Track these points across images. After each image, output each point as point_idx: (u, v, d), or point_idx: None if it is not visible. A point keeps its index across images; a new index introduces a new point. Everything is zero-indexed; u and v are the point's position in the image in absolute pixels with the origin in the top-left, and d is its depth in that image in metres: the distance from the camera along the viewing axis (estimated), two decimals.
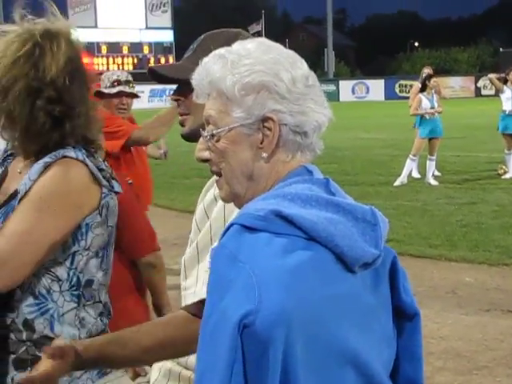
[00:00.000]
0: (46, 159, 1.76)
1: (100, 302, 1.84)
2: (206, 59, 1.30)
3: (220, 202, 1.63)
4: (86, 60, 1.88)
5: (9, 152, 1.93)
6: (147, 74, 1.81)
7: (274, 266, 1.11)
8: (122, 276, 3.00)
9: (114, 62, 44.50)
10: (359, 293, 1.21)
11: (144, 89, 35.42)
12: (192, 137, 1.69)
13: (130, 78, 4.58)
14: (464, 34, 73.44)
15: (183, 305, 1.68)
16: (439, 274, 6.51)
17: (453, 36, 73.06)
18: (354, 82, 47.75)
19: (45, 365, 1.49)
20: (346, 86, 45.95)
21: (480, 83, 41.86)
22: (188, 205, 8.90)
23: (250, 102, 1.23)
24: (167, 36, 47.89)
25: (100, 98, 4.31)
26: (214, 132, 1.27)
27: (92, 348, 1.56)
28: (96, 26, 44.22)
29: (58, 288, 1.76)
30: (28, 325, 1.76)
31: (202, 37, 1.78)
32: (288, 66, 1.25)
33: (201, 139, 1.36)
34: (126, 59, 45.92)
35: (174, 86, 1.77)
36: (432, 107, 11.29)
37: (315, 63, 47.27)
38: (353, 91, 45.66)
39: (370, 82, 46.32)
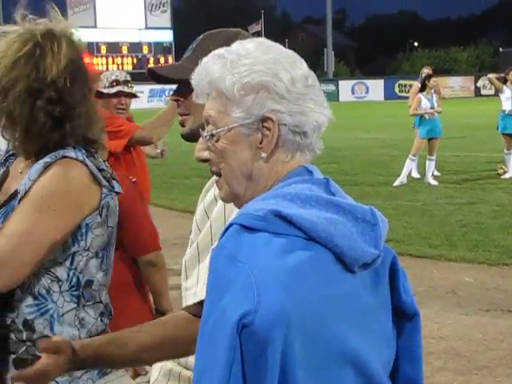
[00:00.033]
0: (46, 159, 1.76)
1: (100, 302, 1.84)
2: (205, 59, 1.29)
3: (220, 202, 1.63)
4: (86, 60, 1.88)
5: (11, 152, 1.93)
6: (147, 75, 1.81)
7: (273, 266, 1.11)
8: (125, 275, 3.00)
9: (113, 62, 44.51)
10: (359, 293, 1.21)
11: (143, 89, 35.46)
12: (192, 137, 1.69)
13: (129, 78, 4.59)
14: (464, 33, 73.50)
15: (184, 305, 1.68)
16: (439, 273, 6.51)
17: (452, 36, 73.11)
18: (354, 81, 47.75)
19: (41, 362, 1.50)
20: (345, 85, 45.96)
21: (480, 83, 41.87)
22: (188, 205, 8.90)
23: (249, 102, 1.23)
24: (167, 36, 47.91)
25: (99, 98, 4.30)
26: (214, 132, 1.27)
27: (91, 347, 1.56)
28: (95, 26, 44.22)
29: (58, 288, 1.76)
30: (28, 325, 1.76)
31: (201, 37, 1.78)
32: (287, 66, 1.25)
33: (200, 139, 1.35)
34: (125, 59, 45.94)
35: (174, 86, 1.77)
36: (432, 107, 11.29)
37: (315, 63, 47.29)
38: (352, 91, 45.66)
39: (370, 82, 46.32)
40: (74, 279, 1.77)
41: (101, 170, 1.81)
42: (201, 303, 1.53)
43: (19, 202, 1.74)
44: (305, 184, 1.23)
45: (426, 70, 12.71)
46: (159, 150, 5.37)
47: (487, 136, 16.15)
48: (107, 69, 36.67)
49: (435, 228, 8.14)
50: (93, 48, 40.97)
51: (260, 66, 1.24)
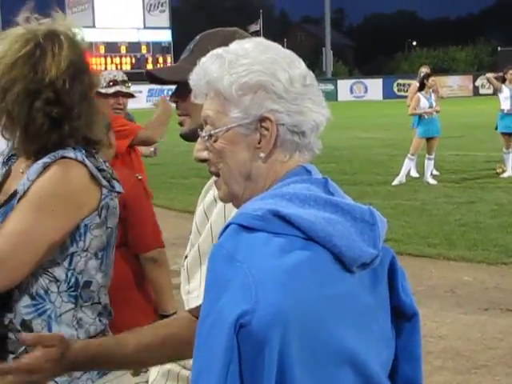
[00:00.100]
0: (45, 159, 1.75)
1: (99, 303, 1.83)
2: (203, 59, 1.29)
3: (220, 204, 1.63)
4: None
5: (13, 152, 1.92)
6: (145, 77, 1.80)
7: (271, 265, 1.11)
8: (127, 273, 3.00)
9: (111, 62, 44.53)
10: (357, 293, 1.21)
11: (142, 89, 35.44)
12: (191, 137, 1.68)
13: (126, 78, 4.61)
14: (462, 33, 73.52)
15: (187, 308, 1.68)
16: (438, 273, 6.52)
17: (451, 35, 73.13)
18: (352, 81, 47.78)
19: (27, 355, 1.49)
20: (344, 85, 45.97)
21: (478, 82, 41.90)
22: (187, 205, 8.90)
23: (247, 102, 1.23)
24: (165, 36, 47.92)
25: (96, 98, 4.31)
26: (212, 132, 1.27)
27: (90, 347, 1.55)
28: (94, 26, 44.21)
29: (56, 289, 1.76)
30: (26, 325, 1.75)
31: (199, 37, 1.77)
32: (285, 66, 1.25)
33: (199, 139, 1.35)
34: (123, 59, 45.95)
35: (173, 86, 1.76)
36: (430, 106, 11.30)
37: (313, 63, 47.34)
38: (351, 90, 45.67)
39: (368, 82, 46.35)
40: (73, 280, 1.77)
41: (101, 171, 1.80)
42: None
43: (18, 201, 1.73)
44: (303, 184, 1.23)
45: (425, 70, 12.72)
46: (152, 149, 5.41)
47: (486, 135, 16.16)
48: (106, 69, 36.68)
49: (434, 227, 8.15)
50: (91, 48, 40.93)
51: (258, 65, 1.23)
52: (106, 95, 4.42)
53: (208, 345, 1.10)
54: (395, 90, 43.94)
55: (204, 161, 1.34)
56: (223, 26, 1.90)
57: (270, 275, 1.10)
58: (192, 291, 1.68)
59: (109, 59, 44.73)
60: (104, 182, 1.79)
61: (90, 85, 1.83)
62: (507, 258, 6.85)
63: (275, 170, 1.26)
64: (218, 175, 1.30)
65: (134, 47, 46.52)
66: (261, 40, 1.31)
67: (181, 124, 1.76)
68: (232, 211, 1.54)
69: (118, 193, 1.86)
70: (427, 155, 11.23)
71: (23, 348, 1.75)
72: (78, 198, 1.75)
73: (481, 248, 7.20)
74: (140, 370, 2.11)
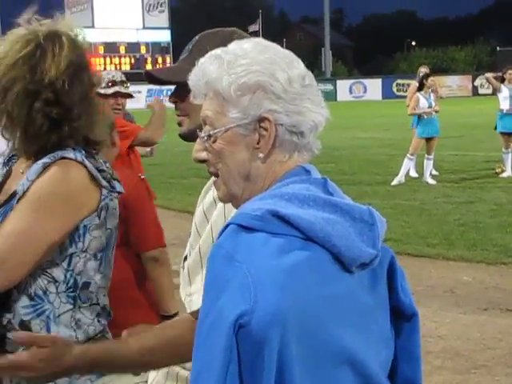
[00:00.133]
0: (45, 160, 1.75)
1: (97, 304, 1.83)
2: (202, 60, 1.29)
3: (220, 205, 1.62)
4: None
5: (14, 152, 1.92)
6: (144, 77, 1.80)
7: (270, 266, 1.11)
8: (128, 272, 3.00)
9: (111, 62, 44.55)
10: (356, 293, 1.21)
11: (141, 89, 35.46)
12: (190, 137, 1.69)
13: (124, 78, 4.63)
14: (461, 33, 73.57)
15: (188, 311, 1.67)
16: (437, 273, 6.52)
17: (450, 35, 73.19)
18: (352, 81, 47.81)
19: (18, 354, 1.50)
20: (343, 85, 46.00)
21: (477, 82, 41.95)
22: (186, 205, 8.90)
23: (246, 103, 1.23)
24: (164, 36, 47.94)
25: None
26: (211, 133, 1.27)
27: (90, 352, 1.54)
28: (93, 26, 44.24)
29: (55, 289, 1.76)
30: (24, 325, 1.75)
31: (197, 37, 1.77)
32: (284, 66, 1.25)
33: (198, 140, 1.35)
34: (123, 59, 45.98)
35: (172, 86, 1.76)
36: (429, 106, 11.30)
37: (312, 63, 47.39)
38: (350, 91, 45.70)
39: (368, 82, 46.38)
40: (71, 280, 1.77)
41: (100, 171, 1.80)
42: None
43: (17, 202, 1.73)
44: (302, 184, 1.23)
45: (424, 70, 12.72)
46: (148, 149, 5.43)
47: (485, 135, 16.17)
48: (105, 69, 36.68)
49: (433, 227, 8.15)
50: (90, 48, 40.95)
51: (257, 66, 1.23)
52: (105, 96, 4.43)
53: (207, 345, 1.10)
54: (394, 90, 43.98)
55: (203, 161, 1.33)
56: (222, 26, 1.90)
57: (269, 275, 1.10)
58: (194, 293, 1.68)
59: (108, 59, 44.74)
60: (104, 183, 1.79)
61: (91, 85, 1.83)
62: (506, 257, 6.85)
63: (274, 171, 1.26)
64: (217, 175, 1.30)
65: (133, 47, 46.55)
66: (259, 40, 1.31)
67: (180, 124, 1.76)
68: (232, 211, 1.53)
69: (119, 193, 1.86)
70: (426, 155, 11.23)
71: (22, 348, 1.75)
72: (77, 199, 1.75)
73: (480, 248, 7.20)
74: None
